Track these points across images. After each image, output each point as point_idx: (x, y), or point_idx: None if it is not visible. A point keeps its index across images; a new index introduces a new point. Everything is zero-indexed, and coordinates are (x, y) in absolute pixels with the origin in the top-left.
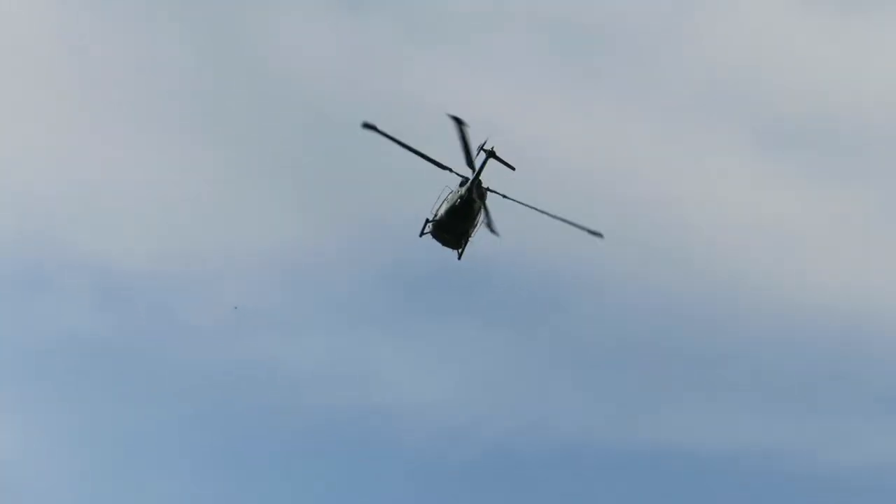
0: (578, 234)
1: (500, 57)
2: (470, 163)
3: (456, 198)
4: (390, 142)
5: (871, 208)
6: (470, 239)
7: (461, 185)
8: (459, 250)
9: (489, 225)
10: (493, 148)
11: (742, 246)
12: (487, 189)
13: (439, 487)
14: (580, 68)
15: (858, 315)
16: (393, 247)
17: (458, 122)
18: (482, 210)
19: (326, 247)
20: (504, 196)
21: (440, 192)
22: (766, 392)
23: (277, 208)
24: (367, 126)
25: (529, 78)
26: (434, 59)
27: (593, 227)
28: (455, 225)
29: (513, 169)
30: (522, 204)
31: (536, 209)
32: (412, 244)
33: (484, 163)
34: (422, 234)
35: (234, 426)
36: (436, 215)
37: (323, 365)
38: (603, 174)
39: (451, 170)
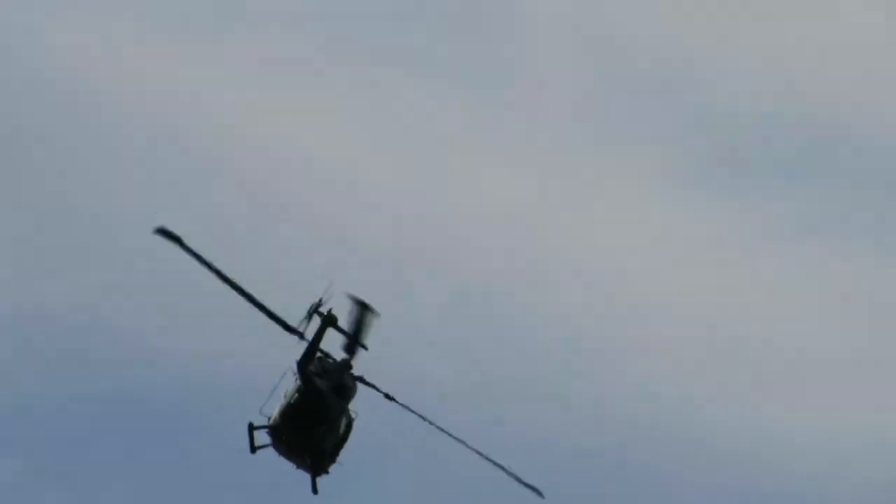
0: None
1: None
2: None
3: (293, 391)
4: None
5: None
6: (336, 458)
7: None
8: (313, 476)
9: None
10: (331, 310)
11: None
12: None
13: None
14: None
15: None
16: None
17: (171, 237)
18: (344, 410)
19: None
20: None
21: (282, 377)
22: None
23: None
24: None
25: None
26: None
27: None
28: (295, 434)
29: (365, 349)
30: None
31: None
32: None
33: (320, 332)
34: (253, 448)
35: None
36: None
37: None
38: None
39: (301, 335)
